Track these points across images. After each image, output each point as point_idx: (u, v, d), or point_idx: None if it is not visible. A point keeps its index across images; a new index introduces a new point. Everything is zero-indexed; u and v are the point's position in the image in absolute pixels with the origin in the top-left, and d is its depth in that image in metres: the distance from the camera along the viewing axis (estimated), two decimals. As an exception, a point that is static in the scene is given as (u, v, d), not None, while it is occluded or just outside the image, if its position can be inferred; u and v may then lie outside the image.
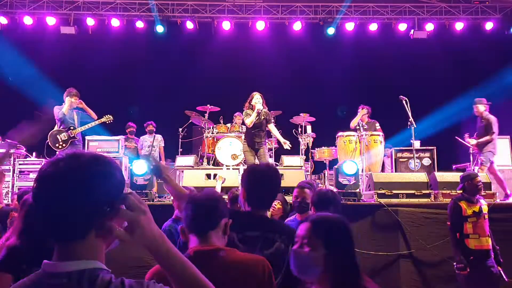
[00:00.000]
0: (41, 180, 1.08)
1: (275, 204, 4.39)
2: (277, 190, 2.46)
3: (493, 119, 7.39)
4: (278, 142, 8.68)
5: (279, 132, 7.38)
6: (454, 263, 4.57)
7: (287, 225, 2.63)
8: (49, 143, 7.10)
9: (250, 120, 6.73)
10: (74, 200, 1.04)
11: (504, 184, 6.92)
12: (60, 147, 7.04)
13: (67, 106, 7.17)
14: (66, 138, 7.06)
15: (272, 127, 7.08)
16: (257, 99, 6.76)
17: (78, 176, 1.06)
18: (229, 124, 8.66)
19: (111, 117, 7.55)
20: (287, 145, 7.06)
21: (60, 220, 1.06)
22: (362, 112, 8.07)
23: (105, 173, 1.10)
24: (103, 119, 7.46)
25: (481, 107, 7.50)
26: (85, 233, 1.07)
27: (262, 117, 6.84)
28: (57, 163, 1.07)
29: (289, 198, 5.72)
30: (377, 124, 8.07)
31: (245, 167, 7.33)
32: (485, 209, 4.60)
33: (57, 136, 7.09)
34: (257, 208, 2.33)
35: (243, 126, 8.11)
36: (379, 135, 7.70)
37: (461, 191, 4.74)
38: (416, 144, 7.78)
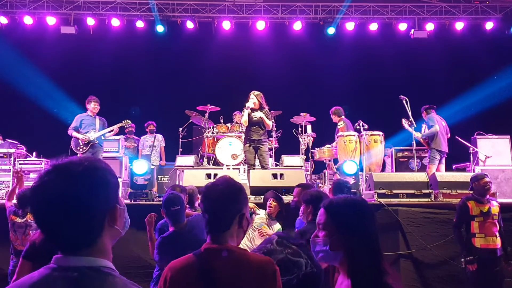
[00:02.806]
0: (34, 198, 1.07)
1: (270, 203, 4.42)
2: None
3: (432, 117, 7.59)
4: (279, 141, 8.70)
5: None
6: (462, 259, 4.68)
7: None
8: (72, 147, 7.28)
9: (243, 119, 6.83)
10: (72, 214, 1.05)
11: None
12: (81, 150, 7.26)
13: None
14: (86, 142, 7.24)
15: None
16: (251, 98, 6.81)
17: (71, 190, 1.05)
18: (229, 124, 8.66)
19: (129, 121, 7.73)
20: None
21: (61, 234, 1.07)
22: (340, 123, 8.24)
23: (98, 181, 1.10)
24: (121, 124, 7.62)
25: (424, 113, 7.84)
26: (90, 241, 1.08)
27: (258, 115, 6.80)
28: (48, 179, 1.06)
29: (289, 198, 5.74)
30: (341, 123, 8.20)
31: (246, 167, 7.33)
32: (495, 210, 4.69)
33: (79, 140, 7.30)
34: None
35: (243, 126, 8.13)
36: (379, 134, 7.71)
37: (471, 192, 4.84)
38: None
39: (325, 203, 1.81)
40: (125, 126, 7.71)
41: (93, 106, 7.41)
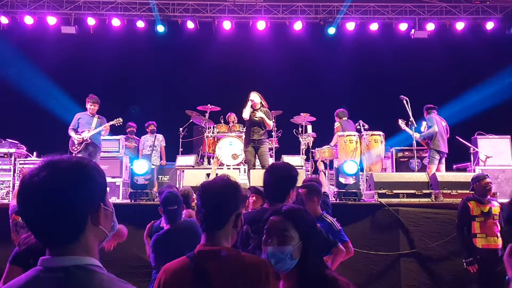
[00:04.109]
0: (21, 192, 1.09)
1: (250, 199, 4.40)
2: (290, 185, 2.56)
3: (432, 117, 7.62)
4: (279, 141, 8.71)
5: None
6: (463, 260, 4.70)
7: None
8: (69, 147, 7.37)
9: (244, 113, 6.78)
10: (55, 209, 1.06)
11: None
12: (75, 149, 7.30)
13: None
14: (81, 141, 7.27)
15: None
16: (253, 96, 6.79)
17: (55, 185, 1.07)
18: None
19: (120, 119, 7.75)
20: None
21: (44, 229, 1.08)
22: (336, 124, 8.26)
23: (83, 178, 1.11)
24: (112, 122, 7.61)
25: (425, 112, 7.87)
26: (72, 237, 1.09)
27: (259, 115, 6.78)
28: (37, 173, 1.08)
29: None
30: (336, 123, 8.22)
31: (246, 167, 7.33)
32: (495, 210, 4.70)
33: (73, 140, 7.35)
34: (273, 203, 2.51)
35: (242, 126, 8.13)
36: (379, 134, 7.71)
37: (472, 192, 4.85)
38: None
39: (284, 211, 1.80)
40: (116, 124, 7.69)
41: (89, 106, 7.44)
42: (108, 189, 1.22)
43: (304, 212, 1.85)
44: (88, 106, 7.44)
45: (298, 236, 1.73)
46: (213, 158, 8.14)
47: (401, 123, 7.45)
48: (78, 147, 7.27)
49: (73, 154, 7.12)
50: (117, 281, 1.09)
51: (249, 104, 6.71)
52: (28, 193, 1.07)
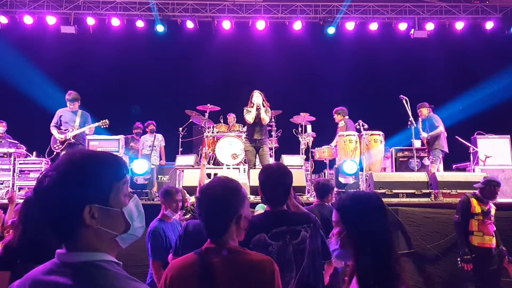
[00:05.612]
0: (35, 190, 1.13)
1: None
2: (289, 186, 2.53)
3: (436, 117, 7.62)
4: (279, 141, 8.71)
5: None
6: (458, 259, 4.74)
7: (306, 214, 2.68)
8: (51, 144, 7.29)
9: (250, 117, 6.75)
10: (46, 207, 1.09)
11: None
12: (57, 147, 7.24)
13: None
14: (63, 140, 7.18)
15: None
16: (256, 97, 6.78)
17: (47, 186, 1.09)
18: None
19: (107, 121, 7.56)
20: None
21: (46, 221, 1.11)
22: (341, 123, 8.24)
23: (77, 174, 1.10)
24: (98, 123, 7.48)
25: (425, 110, 7.83)
26: (67, 235, 1.11)
27: (263, 115, 6.80)
28: (43, 178, 1.11)
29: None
30: (341, 122, 8.20)
31: (246, 166, 7.32)
32: (492, 211, 4.79)
33: (56, 138, 7.25)
34: (275, 205, 2.48)
35: (242, 125, 8.13)
36: (379, 134, 7.70)
37: (478, 189, 4.88)
38: (417, 143, 7.79)
39: (336, 201, 1.81)
40: (102, 126, 7.58)
41: (68, 104, 7.30)
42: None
43: (350, 199, 1.75)
44: (67, 104, 7.28)
45: (342, 224, 1.69)
46: (213, 158, 8.13)
47: (412, 121, 7.41)
48: (61, 146, 7.17)
49: (55, 153, 7.10)
50: (123, 277, 1.09)
51: (254, 108, 6.70)
52: (36, 191, 1.12)
